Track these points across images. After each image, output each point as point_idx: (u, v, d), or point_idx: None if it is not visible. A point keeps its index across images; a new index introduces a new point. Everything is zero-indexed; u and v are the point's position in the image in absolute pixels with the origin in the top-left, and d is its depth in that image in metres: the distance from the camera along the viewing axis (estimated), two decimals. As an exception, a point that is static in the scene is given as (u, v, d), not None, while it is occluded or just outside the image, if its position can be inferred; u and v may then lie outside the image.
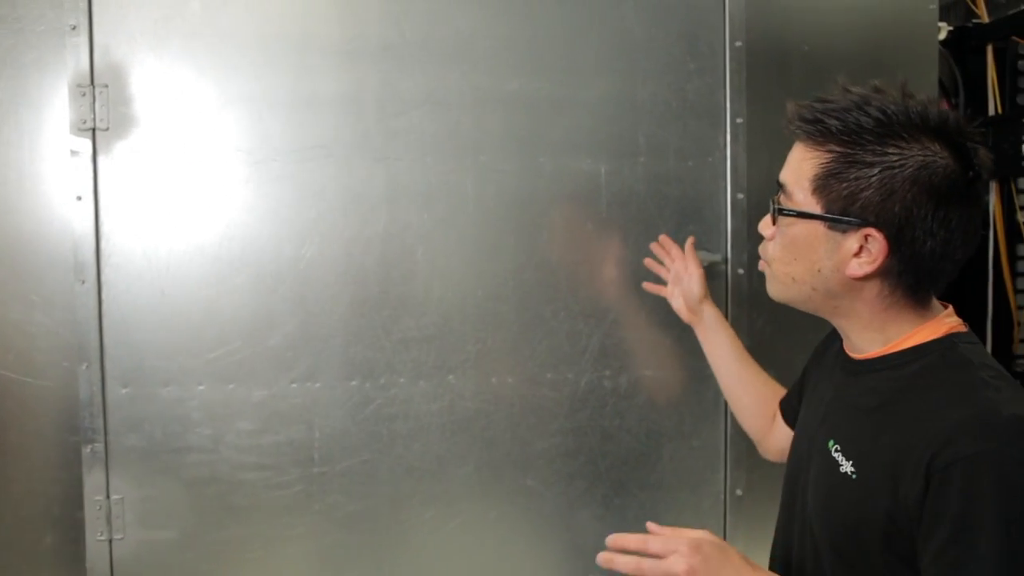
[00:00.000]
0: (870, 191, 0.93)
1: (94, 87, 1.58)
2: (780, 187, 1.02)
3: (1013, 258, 2.24)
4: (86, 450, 1.61)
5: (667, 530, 0.93)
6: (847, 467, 0.98)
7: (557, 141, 1.70)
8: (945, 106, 2.24)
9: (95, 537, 1.61)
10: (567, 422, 1.73)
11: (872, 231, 0.94)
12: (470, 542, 1.72)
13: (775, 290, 1.07)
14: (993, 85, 2.24)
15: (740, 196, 1.75)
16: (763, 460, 1.45)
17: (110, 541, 1.62)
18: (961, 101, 2.26)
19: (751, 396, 1.43)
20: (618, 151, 1.72)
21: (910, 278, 0.98)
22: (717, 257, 1.74)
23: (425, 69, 1.67)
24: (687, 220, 1.75)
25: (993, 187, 2.25)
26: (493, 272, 1.71)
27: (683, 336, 1.73)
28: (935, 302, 1.03)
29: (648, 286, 1.66)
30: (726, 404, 1.67)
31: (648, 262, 1.67)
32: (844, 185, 0.94)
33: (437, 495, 1.70)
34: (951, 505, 0.85)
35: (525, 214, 1.71)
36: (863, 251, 0.96)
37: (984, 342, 2.24)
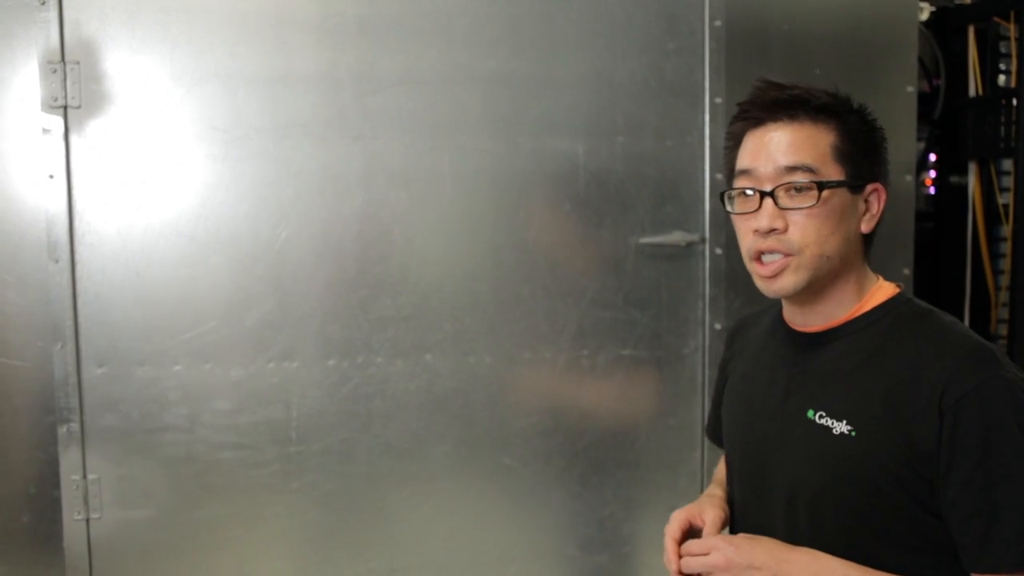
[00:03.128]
0: (871, 150, 1.06)
1: (65, 64, 1.56)
2: (795, 170, 1.01)
3: (992, 239, 2.25)
4: (62, 430, 1.60)
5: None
6: (842, 428, 1.01)
7: (535, 120, 1.70)
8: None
9: (72, 516, 1.61)
10: (545, 401, 1.74)
11: (879, 185, 1.06)
12: (448, 520, 1.72)
13: (799, 278, 1.03)
14: (974, 66, 2.24)
15: (719, 176, 1.75)
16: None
17: (87, 520, 1.62)
18: (943, 82, 2.26)
19: None
20: (596, 130, 1.72)
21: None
22: (695, 237, 1.74)
23: (403, 47, 1.65)
24: (665, 200, 1.75)
25: (973, 168, 2.26)
26: (471, 252, 1.70)
27: (660, 316, 1.74)
28: None
29: None
30: (703, 383, 1.69)
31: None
32: (857, 149, 1.04)
33: (415, 473, 1.71)
34: (969, 435, 0.92)
35: (503, 193, 1.70)
36: (867, 208, 1.06)
37: (963, 323, 2.25)
